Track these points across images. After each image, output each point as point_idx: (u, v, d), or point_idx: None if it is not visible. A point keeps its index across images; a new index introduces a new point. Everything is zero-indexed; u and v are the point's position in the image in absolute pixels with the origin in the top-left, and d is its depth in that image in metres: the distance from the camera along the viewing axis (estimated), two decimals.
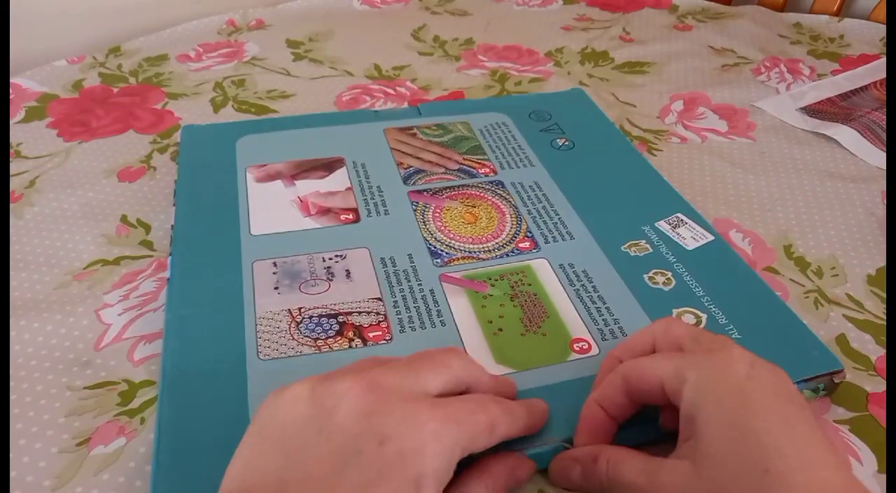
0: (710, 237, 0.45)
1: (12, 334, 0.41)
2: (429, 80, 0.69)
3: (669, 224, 0.46)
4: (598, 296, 0.41)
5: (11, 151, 0.57)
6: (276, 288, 0.41)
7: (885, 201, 0.52)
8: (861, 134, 0.59)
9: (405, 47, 0.76)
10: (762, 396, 0.27)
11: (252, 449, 0.27)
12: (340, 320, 0.39)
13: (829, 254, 0.47)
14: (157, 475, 0.31)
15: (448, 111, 0.59)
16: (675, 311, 0.40)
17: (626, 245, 0.45)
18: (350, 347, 0.38)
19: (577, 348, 0.38)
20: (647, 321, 0.39)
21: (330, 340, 0.38)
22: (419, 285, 0.42)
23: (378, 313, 0.40)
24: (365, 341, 0.38)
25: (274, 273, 0.42)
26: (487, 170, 0.52)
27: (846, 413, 0.37)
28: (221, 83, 0.68)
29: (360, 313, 0.40)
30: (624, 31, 0.80)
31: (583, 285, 0.42)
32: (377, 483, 0.24)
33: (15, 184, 0.53)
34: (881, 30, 0.80)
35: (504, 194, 0.49)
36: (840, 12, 0.86)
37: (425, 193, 0.49)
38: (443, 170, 0.52)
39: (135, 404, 0.37)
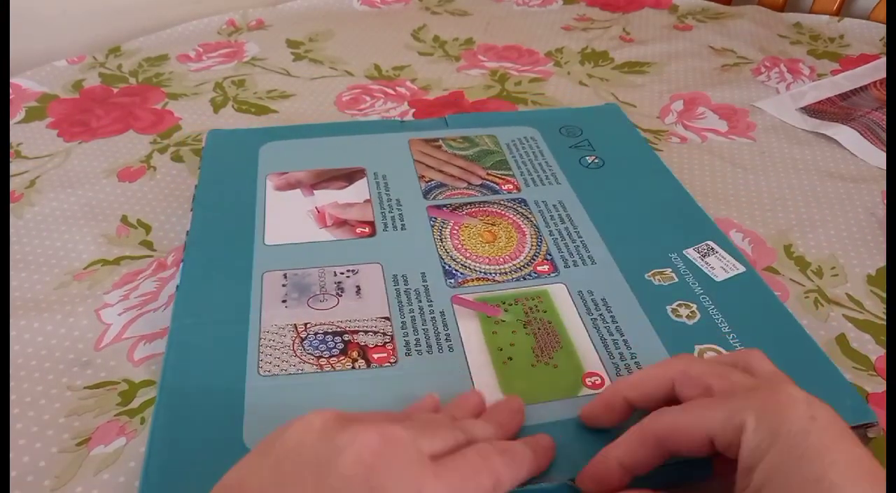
0: (742, 269, 0.43)
1: (12, 333, 0.41)
2: (429, 80, 0.69)
3: (699, 253, 0.44)
4: (617, 327, 0.39)
5: (11, 151, 0.57)
6: (283, 301, 0.40)
7: (885, 201, 0.52)
8: (861, 134, 0.59)
9: (405, 47, 0.76)
10: (831, 440, 0.25)
11: (250, 463, 0.26)
12: (346, 339, 0.38)
13: (829, 254, 0.47)
14: (145, 484, 0.31)
15: (476, 123, 0.57)
16: (697, 347, 0.38)
17: (650, 273, 0.42)
18: (353, 367, 0.36)
19: (590, 383, 0.36)
20: (667, 356, 0.37)
21: (333, 359, 0.37)
22: (430, 305, 0.40)
23: (385, 334, 0.38)
24: (369, 363, 0.37)
25: (283, 285, 0.41)
26: (511, 186, 0.50)
27: None
28: (221, 83, 0.68)
29: (366, 332, 0.38)
30: (624, 31, 0.80)
31: (601, 315, 0.40)
32: None
33: (15, 184, 0.53)
34: (881, 30, 0.80)
35: (526, 213, 0.47)
36: (840, 12, 0.86)
37: (445, 208, 0.48)
38: (465, 185, 0.50)
39: (135, 404, 0.37)
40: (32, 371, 0.39)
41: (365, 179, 0.51)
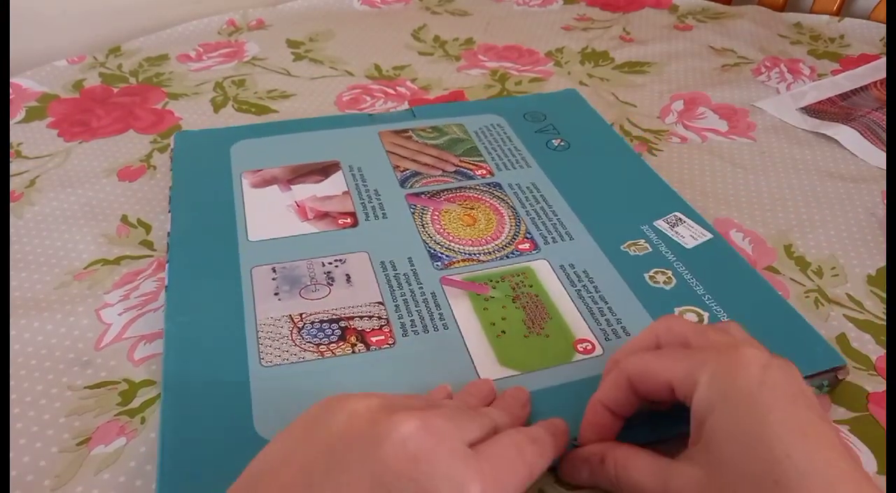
0: (709, 236, 0.45)
1: (12, 333, 0.41)
2: (429, 80, 0.69)
3: (668, 223, 0.46)
4: (600, 296, 0.41)
5: (12, 151, 0.57)
6: (276, 294, 0.41)
7: (885, 201, 0.52)
8: (861, 134, 0.59)
9: (405, 47, 0.76)
10: (775, 401, 0.26)
11: (291, 443, 0.27)
12: (342, 325, 0.39)
13: (829, 254, 0.47)
14: (162, 484, 0.31)
15: (442, 113, 0.59)
16: (677, 310, 0.40)
17: (625, 245, 0.45)
18: (353, 352, 0.37)
19: (581, 349, 0.38)
20: (650, 321, 0.39)
21: (333, 345, 0.38)
22: (420, 288, 0.41)
23: (380, 318, 0.39)
24: (368, 346, 0.38)
25: (273, 279, 0.42)
26: (484, 171, 0.52)
27: (846, 413, 0.37)
28: (222, 83, 0.68)
29: (361, 317, 0.39)
30: (624, 31, 0.80)
31: (584, 286, 0.42)
32: None
33: (15, 184, 0.53)
34: (881, 29, 0.80)
35: (502, 196, 0.49)
36: (840, 12, 0.86)
37: (423, 195, 0.49)
38: (440, 172, 0.52)
39: (135, 403, 0.37)
40: (32, 371, 0.39)
41: (340, 172, 0.52)
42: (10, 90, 0.66)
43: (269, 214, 0.47)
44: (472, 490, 0.25)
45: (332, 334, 0.38)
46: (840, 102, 0.65)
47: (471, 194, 0.49)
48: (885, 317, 0.43)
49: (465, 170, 0.52)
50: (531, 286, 0.42)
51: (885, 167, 0.56)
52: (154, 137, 0.59)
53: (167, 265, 0.43)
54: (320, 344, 0.38)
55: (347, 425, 0.26)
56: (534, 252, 0.44)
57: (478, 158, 0.53)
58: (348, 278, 0.42)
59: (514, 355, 0.37)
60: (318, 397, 0.29)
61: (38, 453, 0.34)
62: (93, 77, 0.69)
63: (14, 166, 0.55)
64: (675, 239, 0.45)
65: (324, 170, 0.52)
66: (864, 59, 0.73)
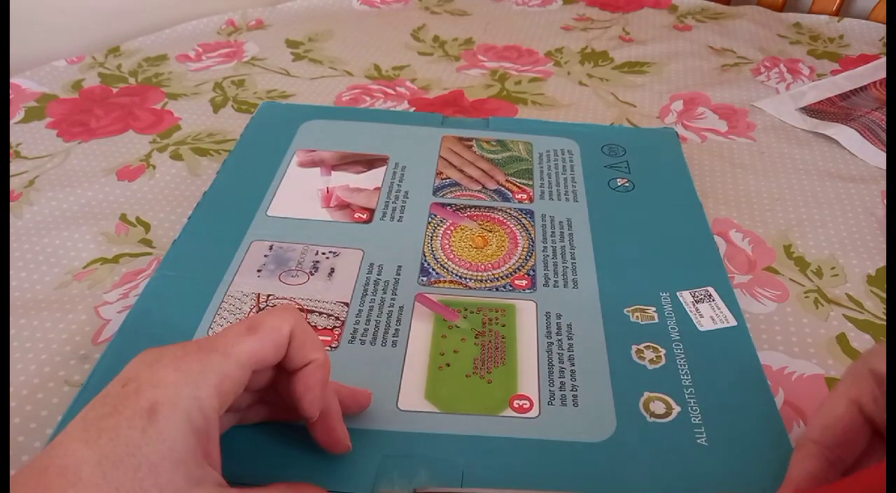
0: (733, 323, 0.39)
1: (12, 331, 0.41)
2: (428, 80, 0.69)
3: (693, 297, 0.41)
4: (570, 356, 0.37)
5: (10, 151, 0.57)
6: (259, 271, 0.42)
7: (885, 201, 0.52)
8: (861, 134, 0.59)
9: (405, 47, 0.76)
10: None
11: None
12: None
13: (828, 254, 0.47)
14: (73, 407, 0.34)
15: (516, 128, 0.57)
16: (646, 394, 0.35)
17: (630, 308, 0.40)
18: None
19: (517, 406, 0.35)
20: (609, 397, 0.35)
21: None
22: (393, 298, 0.40)
23: (338, 318, 0.39)
24: None
25: (265, 256, 0.43)
26: (524, 196, 0.49)
27: None
28: (221, 83, 0.68)
29: (320, 313, 0.39)
30: (623, 31, 0.80)
31: (559, 340, 0.38)
32: (109, 415, 0.25)
33: (14, 184, 0.53)
34: (881, 30, 0.80)
35: (527, 225, 0.46)
36: (839, 12, 0.86)
37: (448, 207, 0.48)
38: (479, 187, 0.50)
39: None
40: (29, 364, 0.39)
41: (385, 167, 0.51)
42: (10, 90, 0.66)
43: (298, 194, 0.48)
44: (168, 358, 0.26)
45: None
46: (839, 102, 0.65)
47: (496, 216, 0.47)
48: (884, 317, 0.43)
49: (506, 191, 0.49)
50: (503, 326, 0.39)
51: (884, 167, 0.56)
52: (153, 137, 0.59)
53: (186, 222, 0.45)
54: None
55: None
56: (527, 291, 0.41)
57: (526, 182, 0.50)
58: (332, 271, 0.42)
59: (444, 392, 0.35)
60: None
61: (36, 452, 0.34)
62: (92, 77, 0.69)
63: (13, 167, 0.55)
64: (691, 316, 0.40)
65: (369, 162, 0.52)
66: (864, 59, 0.74)
